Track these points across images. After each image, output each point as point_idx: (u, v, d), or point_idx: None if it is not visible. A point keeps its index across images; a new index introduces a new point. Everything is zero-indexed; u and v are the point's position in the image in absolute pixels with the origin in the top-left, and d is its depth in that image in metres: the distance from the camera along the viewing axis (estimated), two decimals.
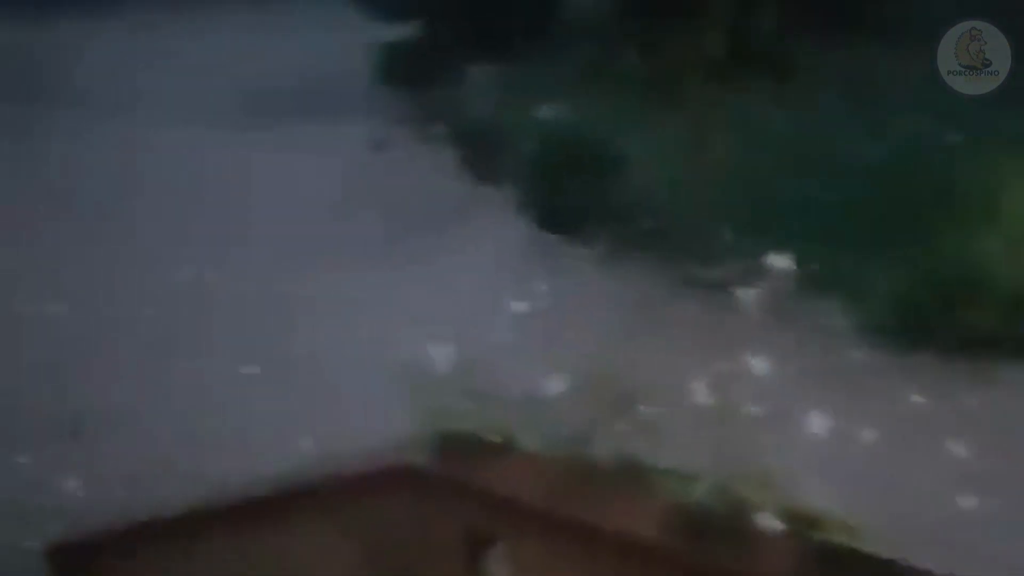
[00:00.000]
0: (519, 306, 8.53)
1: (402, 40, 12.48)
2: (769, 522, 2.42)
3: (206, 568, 3.08)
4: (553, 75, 10.70)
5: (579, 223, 9.72)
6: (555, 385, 2.93)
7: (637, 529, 2.45)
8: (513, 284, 8.86)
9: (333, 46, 12.83)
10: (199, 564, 3.12)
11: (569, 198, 9.60)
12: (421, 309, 8.46)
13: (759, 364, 3.25)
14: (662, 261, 9.11)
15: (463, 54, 11.75)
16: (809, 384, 6.00)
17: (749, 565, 2.30)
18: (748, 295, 3.96)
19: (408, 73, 12.29)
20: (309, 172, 10.82)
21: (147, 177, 10.41)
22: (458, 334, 8.03)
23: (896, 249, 8.01)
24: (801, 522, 2.43)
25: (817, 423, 2.74)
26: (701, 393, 3.29)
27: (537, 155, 9.87)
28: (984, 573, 4.86)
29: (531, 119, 10.12)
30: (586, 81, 10.23)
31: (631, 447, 2.75)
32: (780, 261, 3.45)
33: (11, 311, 8.36)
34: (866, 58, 9.89)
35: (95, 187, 10.33)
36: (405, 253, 9.42)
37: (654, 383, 3.07)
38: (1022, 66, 5.91)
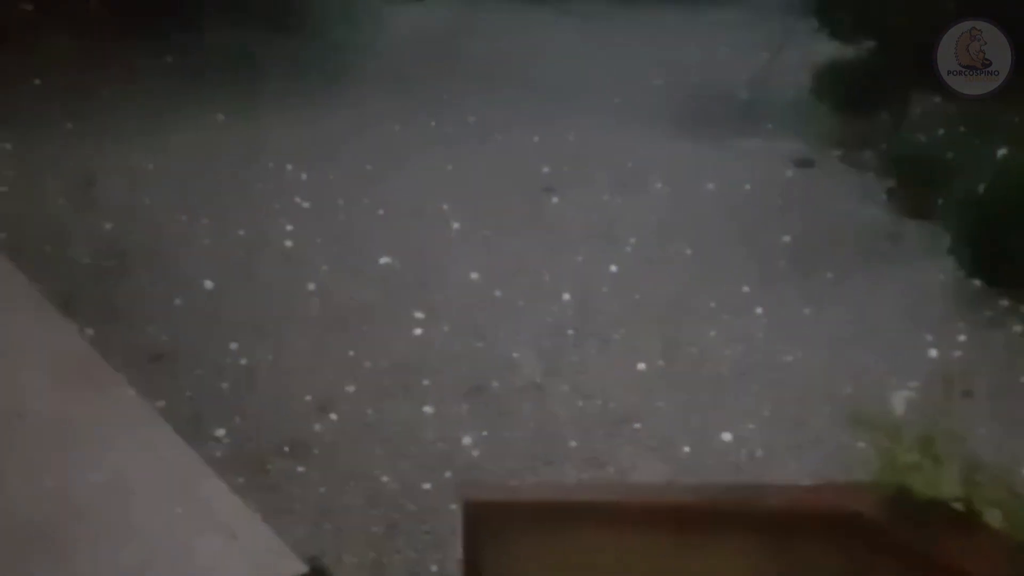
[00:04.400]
0: (933, 352, 8.05)
1: (849, 59, 12.02)
2: None
3: (605, 563, 3.16)
4: (1011, 115, 9.86)
5: (1016, 275, 8.90)
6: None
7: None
8: (930, 329, 8.37)
9: (781, 60, 12.66)
10: (597, 556, 3.21)
11: (1010, 246, 8.79)
12: (828, 337, 8.24)
13: None
14: None
15: (910, 81, 11.11)
16: None
17: None
18: None
19: (847, 94, 11.84)
20: (733, 183, 10.80)
21: (581, 163, 10.88)
22: (864, 372, 7.75)
23: None
24: None
25: None
26: None
27: (983, 196, 9.13)
28: None
29: (981, 156, 9.39)
30: None
31: None
32: None
33: (444, 272, 9.10)
34: None
35: (533, 168, 10.96)
36: (819, 277, 9.18)
37: None
38: None
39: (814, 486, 2.84)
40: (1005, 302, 8.86)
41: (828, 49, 12.20)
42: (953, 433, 2.62)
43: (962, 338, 8.32)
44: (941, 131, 11.01)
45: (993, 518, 2.47)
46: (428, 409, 7.29)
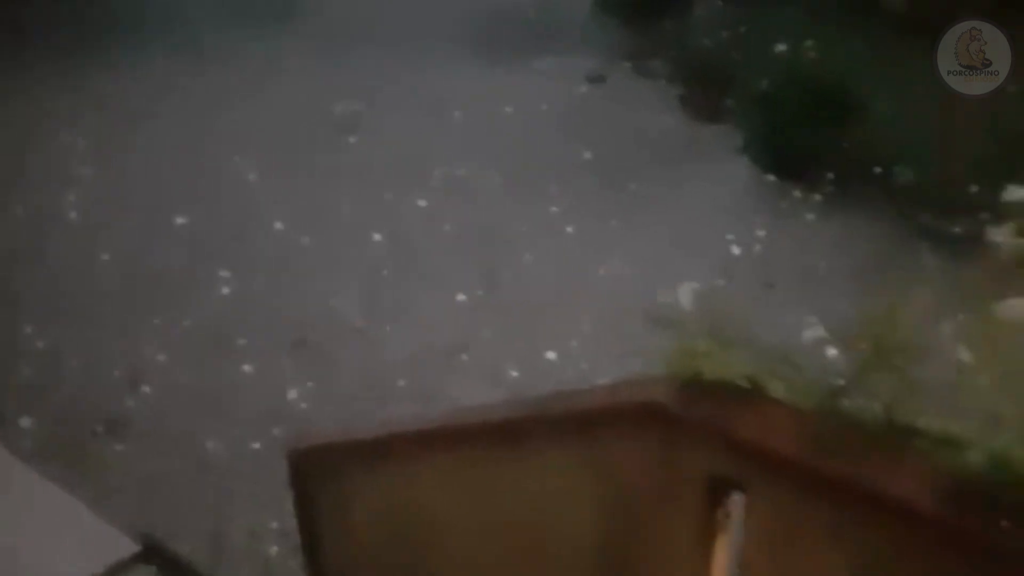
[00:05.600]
0: (736, 249, 8.37)
1: None
2: None
3: (437, 488, 3.14)
4: (791, 10, 10.24)
5: (806, 168, 9.33)
6: (810, 333, 2.78)
7: (899, 492, 2.30)
8: (731, 227, 8.67)
9: None
10: (430, 483, 3.18)
11: (798, 141, 9.20)
12: (636, 248, 8.42)
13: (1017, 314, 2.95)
14: (895, 211, 8.68)
15: None
16: None
17: (1009, 539, 2.11)
18: (995, 241, 3.61)
19: (632, 5, 12.01)
20: (531, 104, 10.80)
21: (380, 107, 10.64)
22: (677, 276, 7.99)
23: None
24: None
25: None
26: (959, 348, 3.07)
27: (768, 92, 9.48)
28: None
29: (765, 55, 9.72)
30: (833, 18, 9.74)
31: (890, 404, 2.58)
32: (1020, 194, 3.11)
33: (246, 225, 8.77)
34: None
35: (331, 109, 10.64)
36: (623, 189, 9.34)
37: (908, 337, 2.85)
38: None
39: (616, 384, 2.93)
40: (798, 193, 9.28)
41: None
42: (739, 319, 2.76)
43: (761, 232, 8.68)
44: (724, 34, 11.34)
45: (776, 390, 2.63)
46: (248, 368, 7.05)
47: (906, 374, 2.59)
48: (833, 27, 9.58)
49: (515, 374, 7.13)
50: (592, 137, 10.15)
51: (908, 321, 2.77)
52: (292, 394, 6.83)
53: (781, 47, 9.71)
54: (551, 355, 7.33)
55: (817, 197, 9.18)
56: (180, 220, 8.73)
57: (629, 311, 7.54)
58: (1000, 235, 2.92)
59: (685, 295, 2.75)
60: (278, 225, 8.69)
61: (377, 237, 8.60)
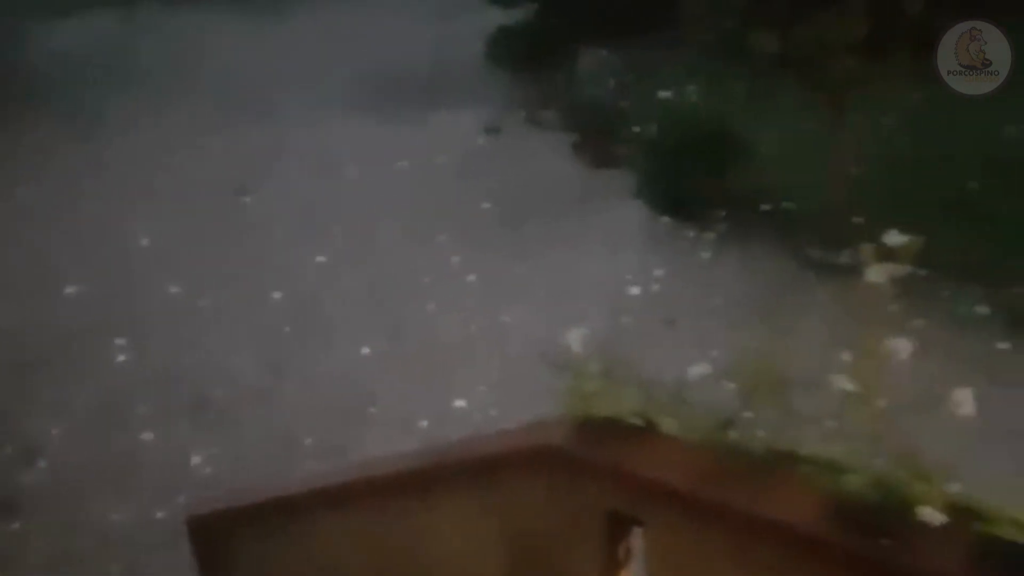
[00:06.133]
0: (635, 290, 8.53)
1: (516, 23, 12.43)
2: (930, 515, 2.32)
3: (343, 542, 3.11)
4: (673, 57, 10.57)
5: (698, 208, 9.60)
6: (697, 369, 2.87)
7: (789, 518, 2.38)
8: (629, 268, 8.84)
9: (451, 30, 12.87)
10: (335, 538, 3.15)
11: (688, 183, 9.46)
12: (538, 293, 8.52)
13: (901, 346, 3.10)
14: (783, 245, 8.96)
15: (578, 37, 11.66)
16: (956, 371, 5.79)
17: (911, 560, 2.21)
18: (879, 274, 3.79)
19: (521, 57, 12.25)
20: (427, 157, 10.89)
21: (274, 161, 10.59)
22: (578, 318, 8.11)
23: None
24: (963, 515, 2.32)
25: (965, 403, 2.59)
26: (842, 378, 3.18)
27: (656, 138, 9.74)
28: None
29: (651, 101, 10.01)
30: (712, 62, 10.05)
31: (777, 434, 2.68)
32: (898, 239, 3.29)
33: (140, 291, 8.62)
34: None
35: (225, 173, 10.56)
36: (522, 236, 9.45)
37: (792, 368, 2.97)
38: None
39: (515, 429, 2.96)
40: (692, 232, 9.52)
41: (497, 16, 12.55)
42: (630, 358, 2.83)
43: (659, 272, 8.86)
44: (611, 82, 11.64)
45: (668, 426, 2.70)
46: (148, 435, 6.89)
47: (788, 404, 2.68)
48: (712, 72, 9.92)
49: (425, 424, 7.11)
50: (490, 187, 10.28)
51: (788, 353, 2.88)
52: (196, 459, 6.69)
53: (665, 93, 10.00)
54: (460, 403, 7.34)
55: (711, 235, 9.43)
56: (70, 289, 8.53)
57: (534, 355, 7.60)
58: (876, 275, 3.05)
59: (575, 338, 2.81)
60: (173, 289, 8.56)
61: (277, 295, 8.53)
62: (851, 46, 7.48)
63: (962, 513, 2.31)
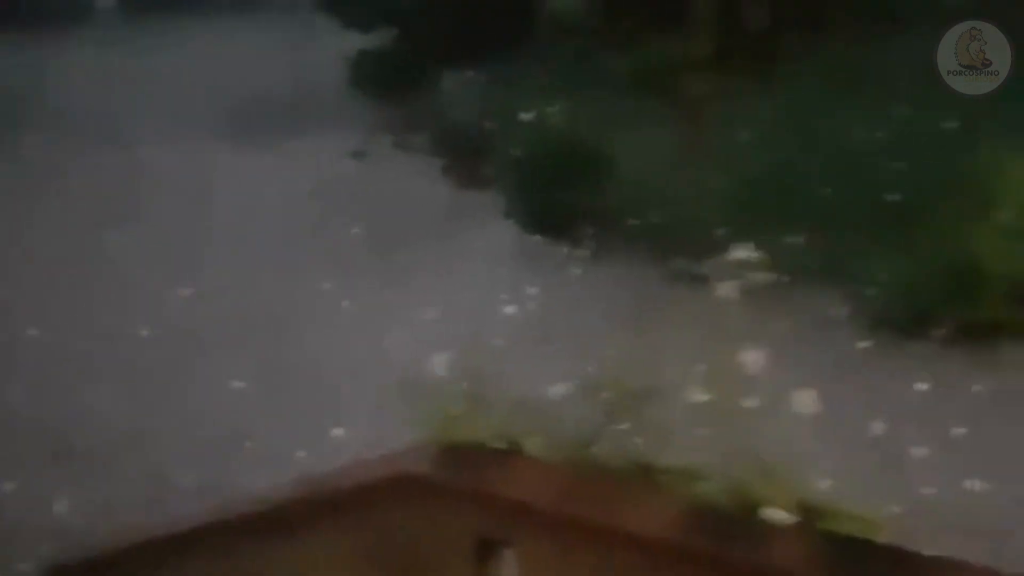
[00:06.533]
0: (510, 309, 8.59)
1: (376, 48, 12.43)
2: (779, 516, 2.42)
3: None
4: (536, 77, 10.72)
5: (568, 226, 9.75)
6: (558, 388, 2.92)
7: (649, 529, 2.44)
8: (503, 288, 8.90)
9: (312, 55, 12.79)
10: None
11: (556, 202, 9.62)
12: (413, 316, 8.50)
13: (754, 356, 3.23)
14: (651, 258, 9.16)
15: (439, 60, 11.73)
16: (809, 374, 6.00)
17: (762, 560, 2.29)
18: (731, 288, 3.94)
19: (384, 81, 12.25)
20: (293, 184, 10.78)
21: (133, 195, 10.31)
22: (454, 340, 8.11)
23: (896, 239, 8.03)
24: (811, 514, 2.43)
25: (812, 404, 2.71)
26: (699, 389, 3.28)
27: (522, 158, 9.87)
28: (993, 555, 4.80)
29: (515, 122, 10.13)
30: (571, 82, 10.26)
31: (636, 447, 2.75)
32: (744, 252, 3.43)
33: None
34: (859, 47, 9.87)
35: (83, 208, 10.23)
36: (395, 260, 9.42)
37: (653, 381, 3.06)
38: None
39: (379, 458, 2.95)
40: (564, 250, 9.66)
41: (358, 41, 12.51)
42: (498, 380, 2.87)
43: (533, 291, 8.94)
44: (476, 104, 11.72)
45: (532, 446, 2.75)
46: (9, 486, 6.59)
47: (649, 416, 2.76)
48: (573, 91, 10.11)
49: (303, 455, 6.98)
50: (359, 212, 10.22)
51: (650, 366, 2.96)
52: (60, 508, 6.42)
53: (527, 115, 10.13)
54: (338, 432, 7.24)
55: (582, 252, 9.58)
56: None
57: (409, 380, 7.58)
58: (725, 289, 3.15)
59: (440, 362, 2.82)
60: (32, 332, 8.23)
61: (144, 333, 8.29)
62: (698, 63, 7.74)
63: (809, 512, 2.42)
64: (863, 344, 7.61)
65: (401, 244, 9.73)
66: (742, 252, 3.13)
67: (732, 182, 9.17)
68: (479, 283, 9.08)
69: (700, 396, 3.13)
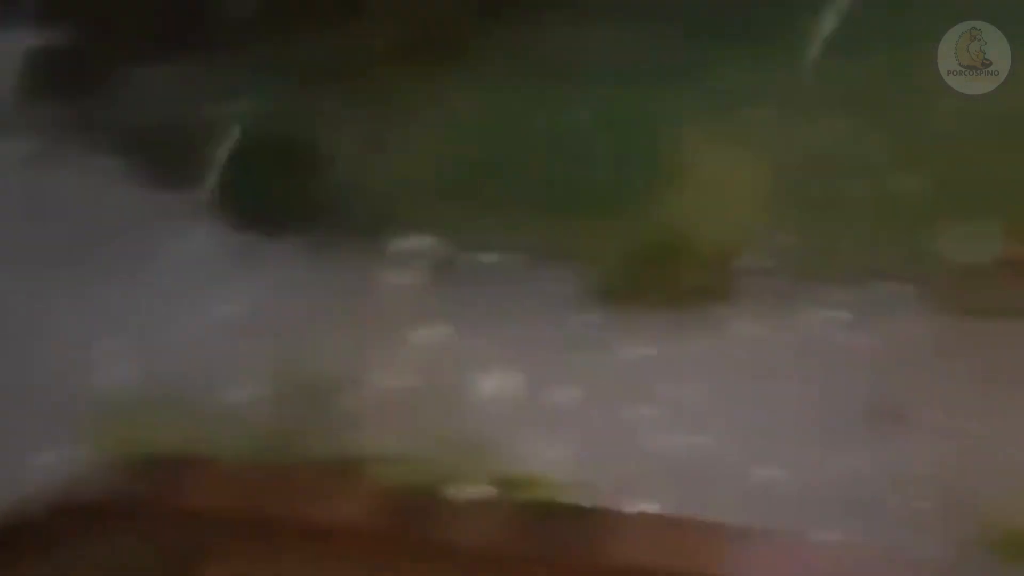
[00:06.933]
0: (211, 310, 8.23)
1: (50, 46, 11.56)
2: (477, 490, 2.45)
3: None
4: (229, 70, 10.34)
5: (282, 221, 9.48)
6: (252, 387, 2.82)
7: (345, 519, 2.40)
8: (207, 289, 8.52)
9: None
10: None
11: (267, 196, 9.36)
12: (100, 325, 7.94)
13: (458, 336, 3.27)
14: (360, 249, 9.05)
15: (126, 57, 11.06)
16: (527, 350, 6.15)
17: (455, 535, 2.32)
18: (416, 274, 3.99)
19: (62, 82, 11.39)
20: None
21: None
22: (147, 347, 7.74)
23: (612, 218, 8.42)
24: (508, 486, 2.48)
25: (507, 383, 2.78)
26: (399, 374, 3.27)
27: (233, 153, 9.52)
28: (701, 506, 5.08)
29: (217, 118, 9.74)
30: (264, 74, 10.03)
31: (333, 441, 2.69)
32: (420, 241, 3.51)
33: None
34: (555, 34, 10.21)
35: None
36: (92, 269, 8.79)
37: (352, 371, 3.03)
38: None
39: (55, 486, 2.73)
40: (279, 246, 9.31)
41: (28, 37, 11.57)
42: (180, 386, 2.75)
43: (237, 289, 8.53)
44: (175, 97, 11.12)
45: (218, 451, 2.65)
46: None
47: (343, 408, 2.72)
48: (268, 84, 9.89)
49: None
50: (45, 223, 9.45)
51: (344, 357, 2.92)
52: None
53: (232, 107, 9.78)
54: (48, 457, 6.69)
55: (295, 247, 9.31)
56: None
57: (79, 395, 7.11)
58: (399, 278, 3.17)
59: (123, 372, 2.63)
60: None
61: None
62: (383, 54, 7.76)
63: (507, 485, 2.47)
64: (585, 317, 7.90)
65: (95, 253, 9.07)
66: (418, 242, 3.18)
67: (436, 170, 9.26)
68: (188, 286, 8.63)
69: (400, 381, 3.13)
